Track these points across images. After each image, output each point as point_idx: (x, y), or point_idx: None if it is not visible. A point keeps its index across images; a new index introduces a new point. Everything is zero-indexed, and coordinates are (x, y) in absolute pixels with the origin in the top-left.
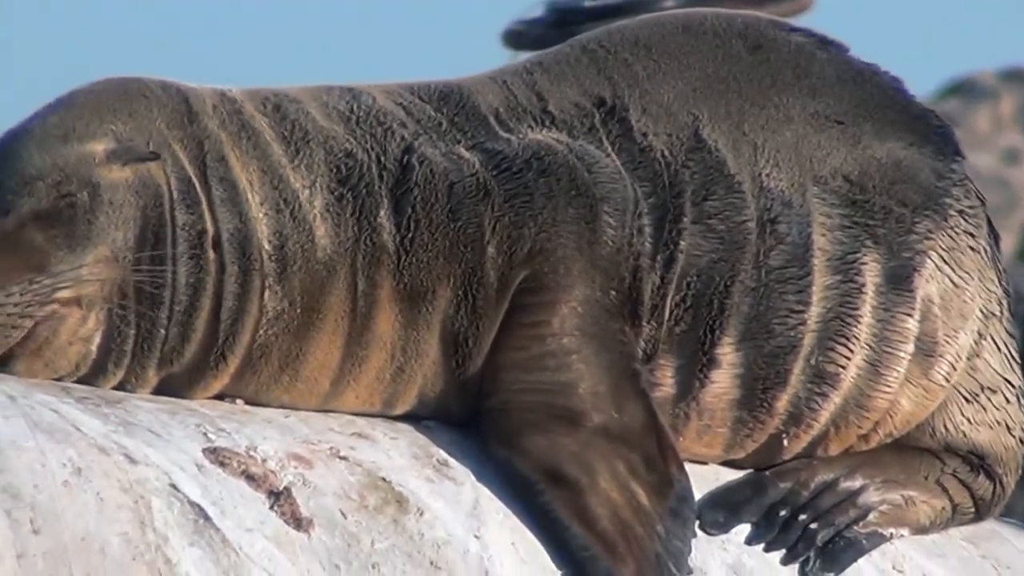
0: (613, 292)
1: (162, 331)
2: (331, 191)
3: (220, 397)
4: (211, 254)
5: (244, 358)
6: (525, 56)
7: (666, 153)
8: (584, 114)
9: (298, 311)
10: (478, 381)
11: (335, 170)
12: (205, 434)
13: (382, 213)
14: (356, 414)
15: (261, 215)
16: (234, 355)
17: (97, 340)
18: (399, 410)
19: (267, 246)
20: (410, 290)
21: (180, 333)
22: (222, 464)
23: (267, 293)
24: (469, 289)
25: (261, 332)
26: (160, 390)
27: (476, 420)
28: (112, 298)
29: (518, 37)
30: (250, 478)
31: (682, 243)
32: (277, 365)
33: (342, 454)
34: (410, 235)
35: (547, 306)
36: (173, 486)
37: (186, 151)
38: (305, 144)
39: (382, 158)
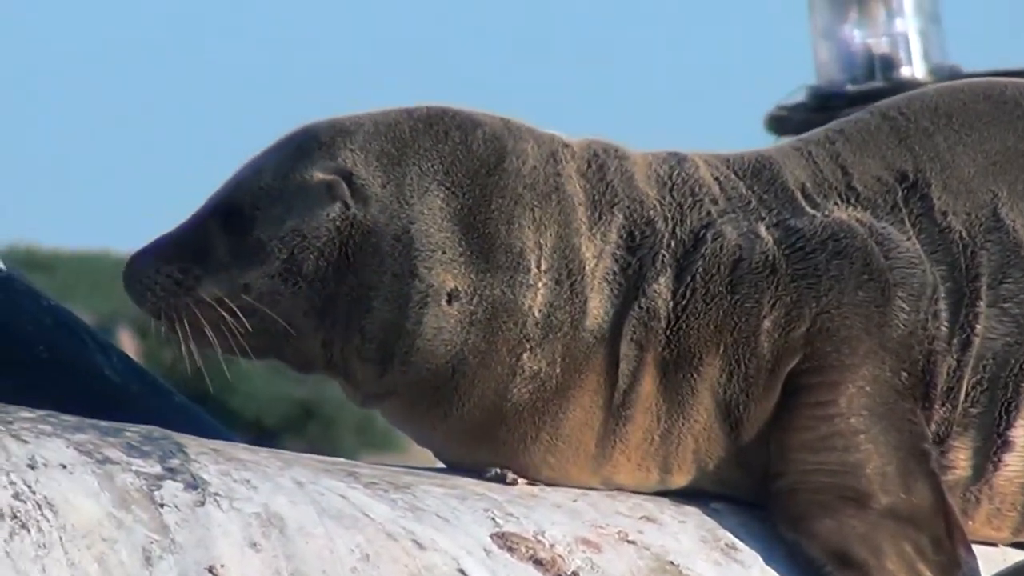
0: (904, 374)
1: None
2: (618, 260)
3: (491, 472)
4: (445, 308)
5: (493, 415)
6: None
7: (964, 234)
8: (887, 190)
9: (557, 371)
10: (757, 452)
11: (630, 236)
12: (493, 519)
13: (661, 281)
14: (641, 493)
15: (539, 284)
16: (470, 407)
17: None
18: (679, 478)
19: (536, 314)
20: (677, 355)
21: (404, 379)
22: (510, 549)
23: (525, 354)
24: (741, 359)
25: (514, 390)
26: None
27: (764, 502)
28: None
29: (781, 122)
30: (538, 563)
31: (978, 326)
32: (533, 423)
33: (630, 538)
34: (684, 302)
35: (832, 386)
36: (461, 571)
37: (461, 201)
38: (610, 209)
39: (678, 229)
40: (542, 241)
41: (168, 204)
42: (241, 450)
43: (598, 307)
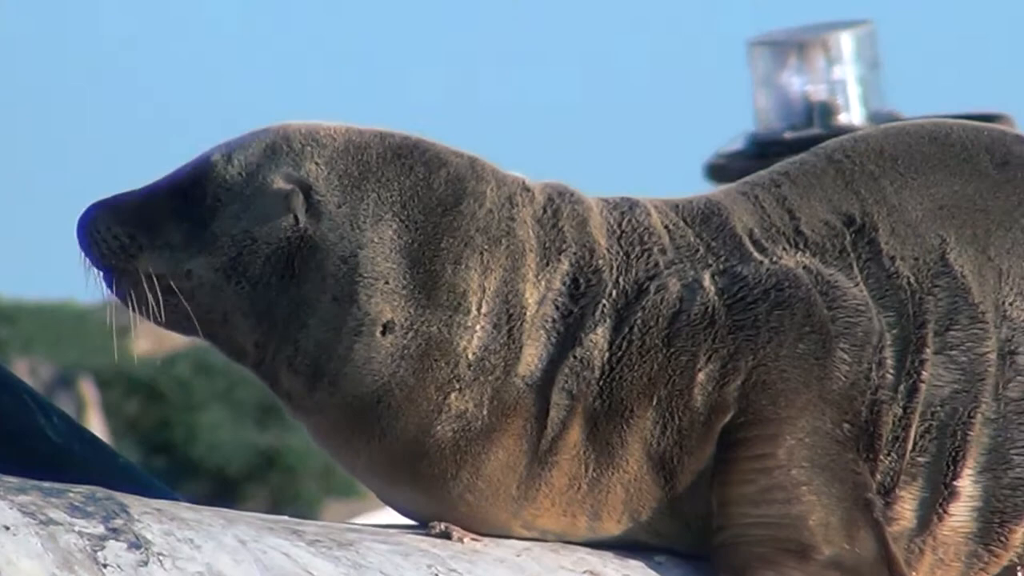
0: (847, 425)
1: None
2: (559, 307)
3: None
4: (379, 338)
5: (414, 449)
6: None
7: (912, 280)
8: (835, 234)
9: (484, 412)
10: (692, 503)
11: (574, 284)
12: (437, 575)
13: (599, 331)
14: (584, 545)
15: (477, 327)
16: (391, 438)
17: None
18: (610, 525)
19: (469, 356)
20: (608, 406)
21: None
22: None
23: (454, 394)
24: (674, 411)
25: (438, 427)
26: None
27: (706, 555)
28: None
29: (720, 170)
30: None
31: (924, 374)
32: (454, 460)
33: None
34: (620, 354)
35: (770, 438)
36: None
37: (412, 235)
38: (558, 256)
39: (622, 279)
40: (486, 284)
41: None
42: (184, 509)
43: (533, 353)
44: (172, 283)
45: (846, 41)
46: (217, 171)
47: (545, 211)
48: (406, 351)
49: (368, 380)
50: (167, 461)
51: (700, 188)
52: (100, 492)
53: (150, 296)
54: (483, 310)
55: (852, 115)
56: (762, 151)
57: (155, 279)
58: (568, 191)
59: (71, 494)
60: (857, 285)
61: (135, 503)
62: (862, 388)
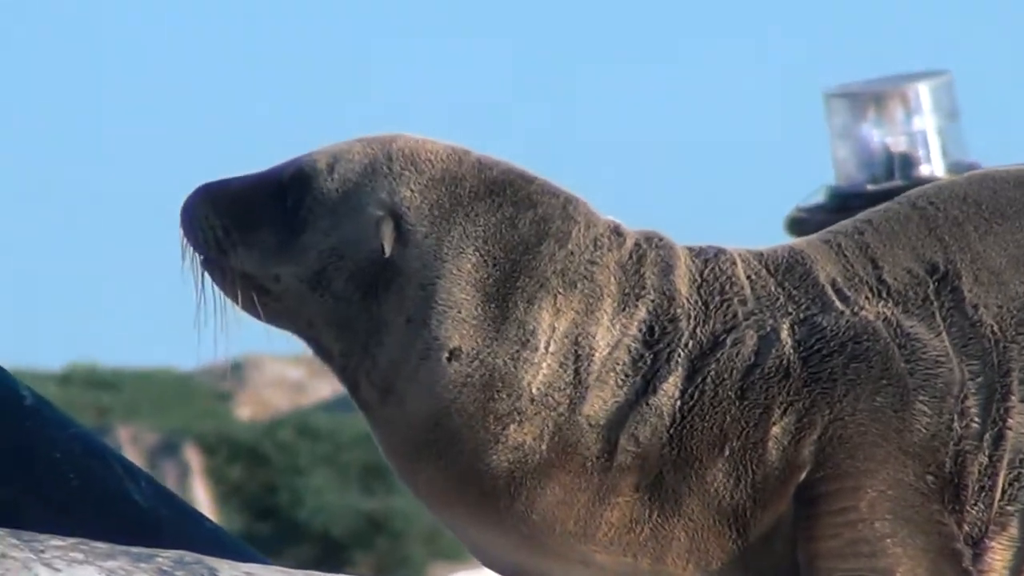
0: (930, 476)
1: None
2: (632, 352)
3: None
4: (445, 363)
5: (468, 476)
6: None
7: (996, 328)
8: (917, 283)
9: (543, 447)
10: (765, 556)
11: (649, 331)
12: None
13: (671, 380)
14: None
15: (544, 363)
16: (447, 463)
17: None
18: (675, 570)
19: (532, 390)
20: (677, 455)
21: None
22: None
23: (512, 426)
24: (747, 465)
25: (494, 457)
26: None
27: None
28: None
29: (801, 224)
30: None
31: (1010, 421)
32: (508, 492)
33: None
34: (691, 404)
35: (850, 492)
36: None
37: (489, 271)
38: (636, 301)
39: (699, 330)
40: (556, 324)
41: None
42: (274, 572)
43: (600, 396)
44: (262, 283)
45: (924, 92)
46: (317, 182)
47: (631, 257)
48: (469, 379)
49: (431, 402)
50: (272, 526)
51: (781, 242)
52: (189, 556)
53: (241, 292)
54: (551, 348)
55: (933, 166)
56: (843, 204)
57: (246, 277)
58: (658, 237)
59: (160, 559)
60: (939, 335)
61: (224, 567)
62: (944, 439)
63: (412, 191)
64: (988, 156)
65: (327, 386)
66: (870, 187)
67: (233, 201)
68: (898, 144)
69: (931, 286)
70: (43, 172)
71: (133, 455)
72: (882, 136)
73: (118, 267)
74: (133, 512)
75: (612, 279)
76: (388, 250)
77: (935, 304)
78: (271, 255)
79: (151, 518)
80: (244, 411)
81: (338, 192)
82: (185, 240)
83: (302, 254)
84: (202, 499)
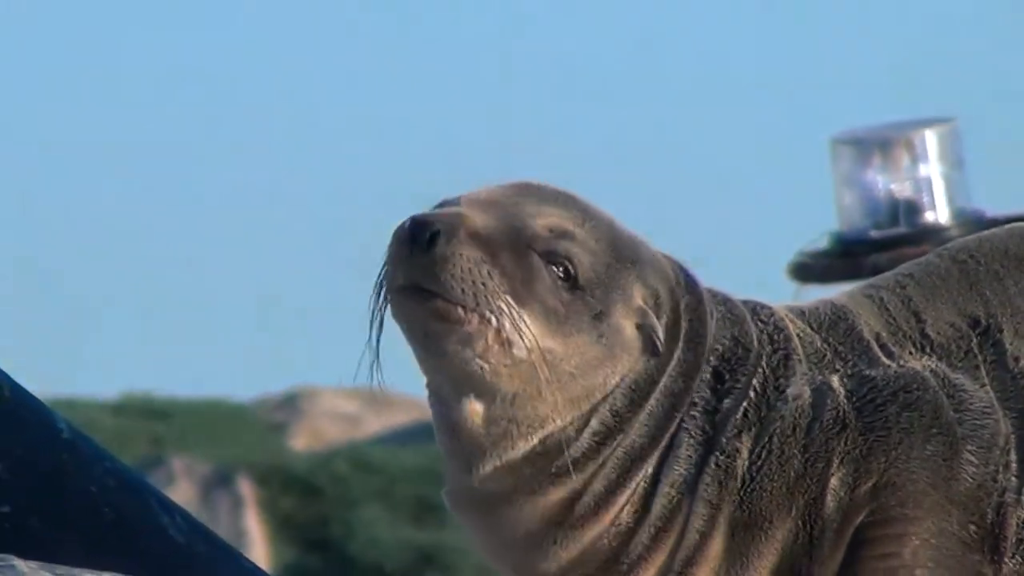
0: (972, 526)
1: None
2: (694, 418)
3: None
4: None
5: (544, 532)
6: (810, 289)
7: None
8: (960, 336)
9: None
10: None
11: (712, 393)
12: None
13: (743, 438)
14: None
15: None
16: (523, 518)
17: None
18: None
19: (583, 443)
20: (748, 516)
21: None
22: None
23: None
24: (808, 521)
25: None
26: None
27: None
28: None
29: (804, 269)
30: None
31: None
32: (576, 553)
33: None
34: (759, 463)
35: (896, 538)
36: None
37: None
38: (694, 349)
39: (765, 386)
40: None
41: (277, 351)
42: None
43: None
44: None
45: (930, 139)
46: (584, 245)
47: (709, 306)
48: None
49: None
50: (323, 558)
51: (784, 287)
52: None
53: (496, 348)
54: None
55: (938, 213)
56: (847, 250)
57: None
58: (723, 294)
59: None
60: (984, 387)
61: None
62: (988, 490)
63: (680, 302)
64: (993, 203)
65: (381, 419)
66: (874, 233)
67: (497, 250)
68: (903, 191)
69: (974, 340)
70: (99, 204)
71: (187, 486)
72: (887, 182)
73: (175, 297)
74: (167, 547)
75: (688, 326)
76: (644, 354)
77: (978, 357)
78: (553, 320)
79: (185, 554)
80: (298, 443)
81: (607, 262)
82: (442, 288)
83: (566, 322)
84: (255, 530)
